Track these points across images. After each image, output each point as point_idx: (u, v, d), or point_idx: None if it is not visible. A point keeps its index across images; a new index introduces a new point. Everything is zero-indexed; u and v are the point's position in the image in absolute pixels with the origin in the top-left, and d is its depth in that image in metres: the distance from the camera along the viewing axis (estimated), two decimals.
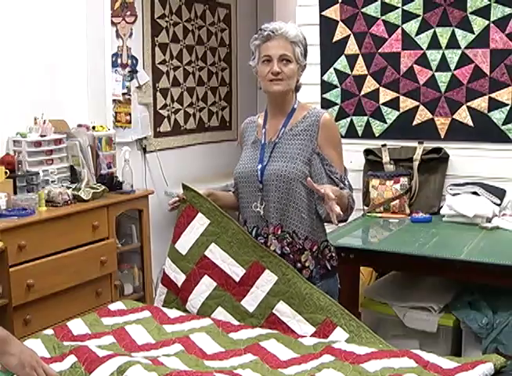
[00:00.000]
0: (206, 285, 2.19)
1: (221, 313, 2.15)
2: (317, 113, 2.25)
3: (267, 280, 2.10)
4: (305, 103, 2.38)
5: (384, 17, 3.60)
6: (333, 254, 2.30)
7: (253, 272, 2.12)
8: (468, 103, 3.45)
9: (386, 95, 3.65)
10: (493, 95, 3.38)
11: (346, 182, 2.23)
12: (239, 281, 2.14)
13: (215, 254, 2.19)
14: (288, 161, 2.19)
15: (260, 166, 2.23)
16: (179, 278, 2.25)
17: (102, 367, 1.73)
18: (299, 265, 2.19)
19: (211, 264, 2.19)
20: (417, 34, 3.52)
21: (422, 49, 3.52)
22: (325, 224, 2.29)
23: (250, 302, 2.12)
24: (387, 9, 3.58)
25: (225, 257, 2.17)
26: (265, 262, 2.11)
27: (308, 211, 2.21)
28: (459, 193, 3.32)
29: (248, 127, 2.39)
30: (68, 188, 3.34)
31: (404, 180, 3.46)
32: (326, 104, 3.78)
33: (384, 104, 3.66)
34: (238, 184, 2.32)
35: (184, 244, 2.25)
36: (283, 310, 2.07)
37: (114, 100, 4.02)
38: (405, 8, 3.54)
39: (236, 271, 2.15)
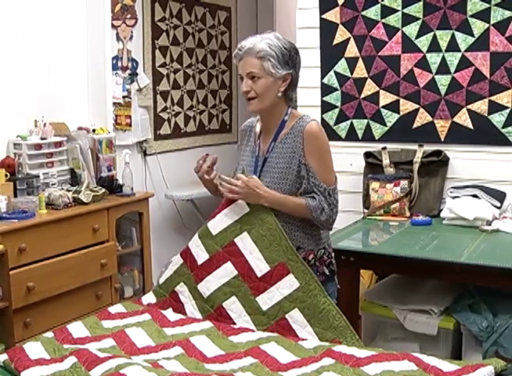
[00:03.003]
0: (227, 271, 2.17)
1: (233, 303, 2.15)
2: (303, 122, 2.20)
3: (289, 285, 2.09)
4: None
5: (384, 20, 3.60)
6: (332, 260, 2.29)
7: (277, 272, 2.10)
8: (468, 106, 3.45)
9: (386, 98, 3.65)
10: (493, 98, 3.38)
11: (329, 197, 2.15)
12: (261, 277, 2.12)
13: (245, 243, 2.16)
14: (278, 177, 2.18)
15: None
16: (201, 255, 2.23)
17: (101, 366, 1.74)
18: None
19: (238, 252, 2.16)
20: (417, 36, 3.52)
21: (422, 52, 3.52)
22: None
23: (266, 300, 2.10)
24: (387, 11, 3.58)
25: (254, 249, 2.15)
26: (292, 266, 2.10)
27: (301, 222, 2.20)
28: (459, 196, 3.32)
29: (247, 130, 2.39)
30: (68, 191, 3.34)
31: (404, 183, 3.46)
32: (326, 107, 3.78)
33: (384, 107, 3.66)
34: None
35: (216, 225, 2.24)
36: (295, 317, 2.06)
37: (115, 103, 4.02)
38: (405, 11, 3.54)
39: (260, 266, 2.13)
